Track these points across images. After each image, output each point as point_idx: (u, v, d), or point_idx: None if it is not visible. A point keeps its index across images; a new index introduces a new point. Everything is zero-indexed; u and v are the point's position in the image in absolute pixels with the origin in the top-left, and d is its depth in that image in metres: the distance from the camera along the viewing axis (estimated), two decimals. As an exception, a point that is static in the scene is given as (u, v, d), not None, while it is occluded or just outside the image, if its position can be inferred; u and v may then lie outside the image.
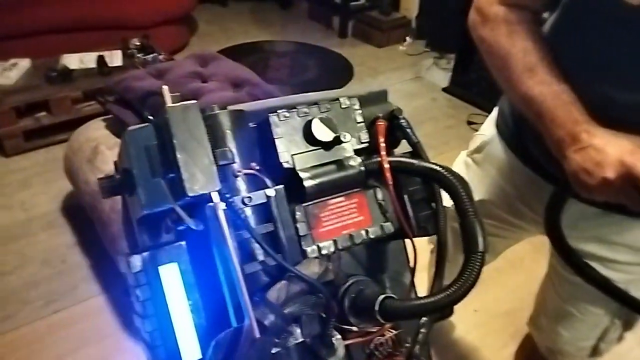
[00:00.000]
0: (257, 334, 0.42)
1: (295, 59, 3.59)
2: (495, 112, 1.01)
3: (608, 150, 0.62)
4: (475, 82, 3.02)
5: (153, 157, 0.46)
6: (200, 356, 0.48)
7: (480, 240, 0.52)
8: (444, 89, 3.24)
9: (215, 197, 0.43)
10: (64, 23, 2.98)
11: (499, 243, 1.12)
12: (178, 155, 0.44)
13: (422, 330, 0.58)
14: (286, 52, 3.68)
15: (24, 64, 2.63)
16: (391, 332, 0.58)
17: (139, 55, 2.83)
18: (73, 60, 2.71)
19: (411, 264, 0.65)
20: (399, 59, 3.66)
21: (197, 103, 0.47)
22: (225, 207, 0.43)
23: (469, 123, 2.92)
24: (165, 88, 0.47)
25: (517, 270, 1.91)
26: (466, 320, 1.65)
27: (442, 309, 0.50)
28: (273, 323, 0.44)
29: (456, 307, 0.66)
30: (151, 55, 2.82)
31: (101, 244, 1.78)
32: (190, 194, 0.43)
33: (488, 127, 1.01)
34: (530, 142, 0.86)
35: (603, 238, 0.85)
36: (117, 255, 1.58)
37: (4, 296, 1.76)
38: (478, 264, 0.52)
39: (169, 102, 0.46)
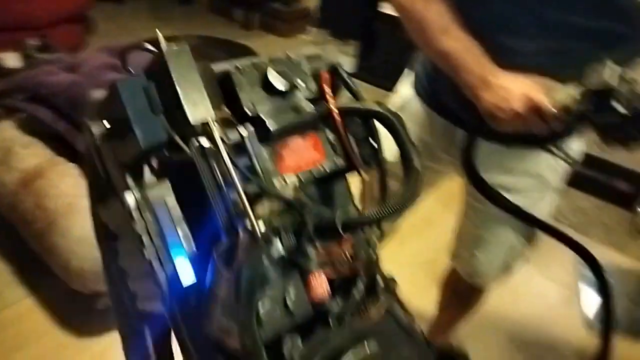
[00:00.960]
0: (257, 241, 0.50)
1: (203, 52, 3.58)
2: (407, 77, 1.15)
3: (512, 87, 0.77)
4: (379, 66, 3.21)
5: (147, 99, 0.51)
6: (195, 280, 0.55)
7: (416, 161, 0.64)
8: (350, 75, 3.41)
9: (212, 124, 0.50)
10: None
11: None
12: (178, 89, 0.50)
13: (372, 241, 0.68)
14: (193, 46, 3.66)
15: None
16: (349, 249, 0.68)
17: (39, 55, 2.71)
18: (-35, 63, 2.54)
19: (357, 199, 0.75)
20: (305, 48, 3.78)
21: (188, 47, 0.54)
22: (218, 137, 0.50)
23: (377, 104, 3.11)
24: (159, 34, 0.53)
25: (431, 226, 2.11)
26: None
27: (389, 217, 0.61)
28: (263, 234, 0.52)
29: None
30: (55, 55, 2.71)
31: (21, 247, 1.72)
32: (193, 122, 0.50)
33: (404, 90, 1.15)
34: (444, 95, 1.01)
35: (507, 169, 1.01)
36: (44, 252, 1.54)
37: None
38: (416, 181, 0.63)
39: (164, 46, 0.52)
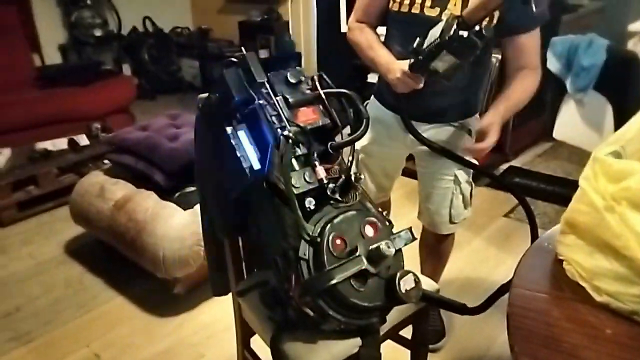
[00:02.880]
0: (288, 142, 1.11)
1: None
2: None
3: (396, 67, 1.47)
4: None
5: (237, 76, 1.15)
6: (260, 166, 1.15)
7: (364, 113, 1.26)
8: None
9: (266, 84, 1.13)
10: (33, 120, 3.57)
11: (386, 176, 1.88)
12: (252, 68, 1.14)
13: (350, 159, 1.28)
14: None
15: (6, 152, 3.17)
16: (336, 166, 1.28)
17: (102, 134, 3.47)
18: (47, 145, 3.29)
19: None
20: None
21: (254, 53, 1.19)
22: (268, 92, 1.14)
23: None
24: (243, 49, 1.18)
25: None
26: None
27: (355, 140, 1.22)
28: (292, 137, 1.13)
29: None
30: (112, 134, 3.46)
31: (112, 266, 2.34)
32: (259, 80, 1.14)
33: (372, 99, 1.81)
34: (385, 93, 1.66)
35: (432, 137, 1.65)
36: (136, 253, 2.15)
37: (41, 311, 2.23)
38: (366, 123, 1.24)
39: (244, 51, 1.17)
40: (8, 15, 4.17)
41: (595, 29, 3.34)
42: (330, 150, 1.24)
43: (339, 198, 1.21)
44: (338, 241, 1.09)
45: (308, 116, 1.27)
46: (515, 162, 3.54)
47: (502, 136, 3.40)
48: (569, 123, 2.65)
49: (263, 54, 4.79)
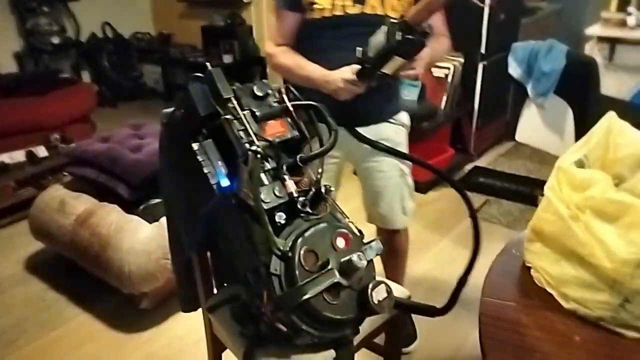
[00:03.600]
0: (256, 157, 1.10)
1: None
2: None
3: (336, 77, 1.49)
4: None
5: (202, 92, 1.13)
6: (228, 183, 1.14)
7: (333, 125, 1.25)
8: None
9: (233, 100, 1.12)
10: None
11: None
12: (217, 84, 1.12)
13: (319, 171, 1.27)
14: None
15: (-40, 166, 3.04)
16: (306, 180, 1.28)
17: (62, 145, 3.37)
18: (3, 158, 3.17)
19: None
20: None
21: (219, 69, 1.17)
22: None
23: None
24: (208, 64, 1.16)
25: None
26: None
27: (325, 153, 1.22)
28: (260, 152, 1.12)
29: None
30: (73, 144, 3.36)
31: (74, 282, 2.27)
32: (225, 95, 1.12)
33: None
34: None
35: (375, 136, 1.68)
36: (100, 269, 2.09)
37: (3, 332, 2.15)
38: (335, 134, 1.24)
39: (209, 66, 1.15)
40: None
41: (553, 33, 3.45)
42: (299, 163, 1.23)
43: (309, 211, 1.20)
44: (309, 255, 1.09)
45: (276, 129, 1.26)
46: (480, 162, 3.61)
47: (466, 137, 3.52)
48: (530, 126, 2.72)
49: (227, 58, 4.74)
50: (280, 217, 1.15)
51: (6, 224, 2.97)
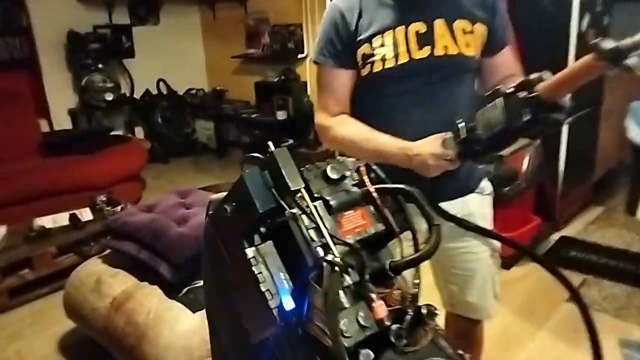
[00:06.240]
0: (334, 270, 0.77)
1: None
2: None
3: (423, 152, 1.17)
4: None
5: (262, 180, 0.83)
6: (294, 305, 0.81)
7: (434, 220, 0.92)
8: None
9: (304, 192, 0.81)
10: (33, 192, 3.29)
11: None
12: (282, 170, 0.82)
13: (416, 282, 0.94)
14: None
15: (1, 230, 2.87)
16: (398, 290, 0.94)
17: (107, 208, 3.17)
18: (46, 221, 2.99)
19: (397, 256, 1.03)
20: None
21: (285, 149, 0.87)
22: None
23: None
24: (270, 143, 0.87)
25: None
26: None
27: (424, 259, 0.88)
28: (339, 264, 0.79)
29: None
30: (120, 206, 3.16)
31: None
32: (292, 187, 0.81)
33: None
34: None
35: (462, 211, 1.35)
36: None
37: None
38: (437, 234, 0.91)
39: (272, 147, 0.85)
40: (17, 81, 4.01)
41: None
42: (389, 273, 0.90)
43: (405, 341, 0.85)
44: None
45: (356, 222, 0.94)
46: (566, 232, 3.15)
47: (550, 202, 3.08)
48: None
49: (281, 115, 4.56)
50: (368, 358, 0.81)
51: (44, 294, 2.74)
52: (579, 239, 3.06)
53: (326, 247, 0.82)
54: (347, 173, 0.97)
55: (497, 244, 1.48)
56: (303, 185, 0.83)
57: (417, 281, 0.94)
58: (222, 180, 4.38)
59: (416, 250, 0.96)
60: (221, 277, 0.98)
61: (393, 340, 0.83)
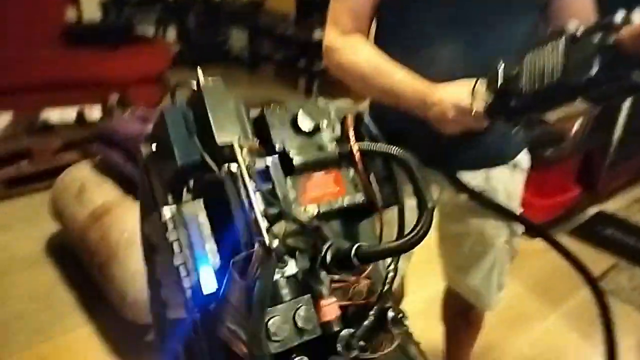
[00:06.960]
0: (270, 256, 0.56)
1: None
2: None
3: (445, 100, 0.90)
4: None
5: (185, 122, 0.61)
6: (216, 287, 0.62)
7: (428, 199, 0.69)
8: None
9: (236, 147, 0.58)
10: (45, 81, 3.14)
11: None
12: (209, 113, 0.60)
13: (389, 275, 0.72)
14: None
15: (6, 117, 2.76)
16: (366, 280, 0.73)
17: (117, 109, 3.01)
18: (53, 115, 2.85)
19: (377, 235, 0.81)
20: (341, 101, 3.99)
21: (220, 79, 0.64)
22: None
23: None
24: (199, 70, 0.64)
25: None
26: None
27: (403, 251, 0.66)
28: (276, 250, 0.58)
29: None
30: (129, 110, 2.99)
31: (86, 278, 1.88)
32: (219, 143, 0.59)
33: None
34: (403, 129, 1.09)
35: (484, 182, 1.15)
36: (104, 282, 1.67)
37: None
38: (428, 217, 0.68)
39: (202, 80, 0.63)
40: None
41: None
42: (355, 261, 0.68)
43: (362, 345, 0.66)
44: None
45: (325, 189, 0.72)
46: (606, 206, 2.84)
47: (595, 172, 2.76)
48: None
49: (318, 34, 4.21)
50: (302, 364, 0.61)
51: (41, 188, 2.63)
52: (619, 216, 2.76)
53: (272, 223, 0.60)
54: (325, 123, 0.74)
55: (519, 229, 1.23)
56: (237, 141, 0.60)
57: (391, 274, 0.73)
58: (250, 95, 4.16)
59: (399, 235, 0.74)
60: (145, 231, 0.78)
61: (340, 350, 0.63)
